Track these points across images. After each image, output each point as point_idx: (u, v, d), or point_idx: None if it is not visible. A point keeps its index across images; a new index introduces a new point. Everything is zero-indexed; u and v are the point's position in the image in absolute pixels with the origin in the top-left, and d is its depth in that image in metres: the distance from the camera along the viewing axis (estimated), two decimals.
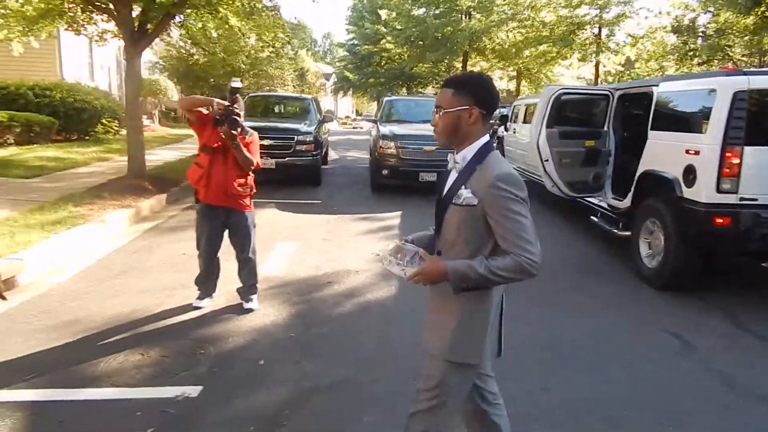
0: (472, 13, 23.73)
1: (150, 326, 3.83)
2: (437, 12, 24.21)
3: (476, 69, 28.40)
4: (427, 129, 9.71)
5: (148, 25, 8.22)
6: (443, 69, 32.45)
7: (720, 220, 4.09)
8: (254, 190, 4.12)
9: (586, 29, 22.12)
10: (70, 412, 2.78)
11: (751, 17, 13.73)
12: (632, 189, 5.20)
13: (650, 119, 5.06)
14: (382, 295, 4.63)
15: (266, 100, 11.92)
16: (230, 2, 9.06)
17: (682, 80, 4.90)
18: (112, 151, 12.00)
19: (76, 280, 4.76)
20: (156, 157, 11.79)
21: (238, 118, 3.65)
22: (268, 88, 33.93)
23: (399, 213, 8.04)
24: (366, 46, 39.21)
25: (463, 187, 1.77)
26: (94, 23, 9.98)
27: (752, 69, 4.61)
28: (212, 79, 24.27)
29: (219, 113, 3.65)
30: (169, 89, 21.58)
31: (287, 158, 9.51)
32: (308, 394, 3.02)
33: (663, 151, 4.81)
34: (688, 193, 4.35)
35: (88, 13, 9.31)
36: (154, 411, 2.79)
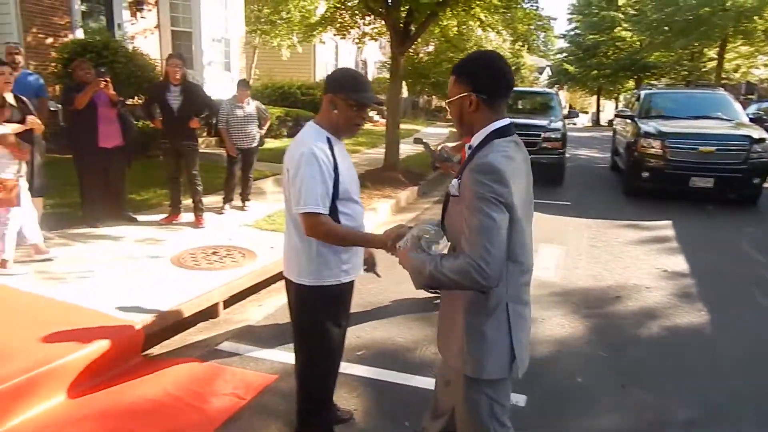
0: None
1: None
2: None
3: (733, 55, 24.05)
4: (703, 126, 8.37)
5: (411, 26, 8.64)
6: (686, 57, 28.25)
7: None
8: None
9: None
10: (409, 396, 2.90)
11: None
12: None
13: None
14: (694, 321, 3.99)
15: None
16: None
17: None
18: (359, 144, 13.16)
19: None
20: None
21: None
22: None
23: (669, 222, 7.04)
24: (591, 36, 36.35)
25: (458, 177, 1.63)
26: (358, 27, 10.97)
27: None
28: (432, 77, 24.98)
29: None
30: None
31: (531, 155, 8.95)
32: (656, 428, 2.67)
33: None
34: None
35: (355, 18, 10.28)
36: None
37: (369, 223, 6.54)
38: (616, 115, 10.37)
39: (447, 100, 1.73)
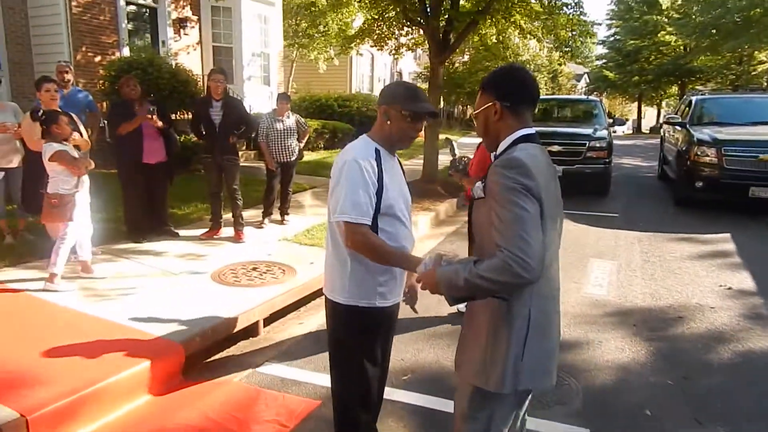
0: None
1: None
2: None
3: None
4: (763, 133, 7.88)
5: (450, 35, 8.51)
6: (734, 61, 27.08)
7: None
8: None
9: None
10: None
11: None
12: None
13: None
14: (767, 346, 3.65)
15: (547, 103, 11.37)
16: (524, 5, 8.83)
17: None
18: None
19: None
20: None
21: None
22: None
23: (727, 236, 6.60)
24: (632, 41, 35.37)
25: (481, 180, 1.60)
26: (395, 38, 10.91)
27: None
28: (467, 87, 24.74)
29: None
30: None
31: (576, 165, 8.80)
32: None
33: None
34: None
35: (392, 29, 10.23)
36: None
37: None
38: (666, 122, 9.91)
39: (474, 113, 1.76)
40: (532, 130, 1.65)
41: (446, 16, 8.28)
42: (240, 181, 5.81)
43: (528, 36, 9.91)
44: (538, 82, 1.73)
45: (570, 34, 9.43)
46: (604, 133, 9.20)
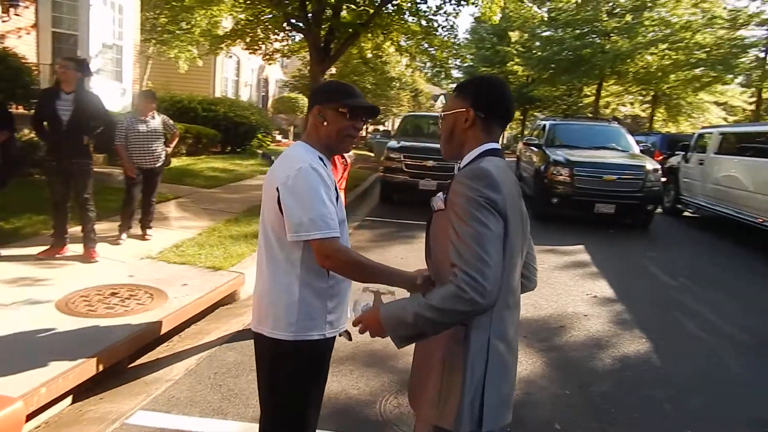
0: (612, 35, 22.39)
1: (403, 361, 3.51)
2: (577, 33, 23.14)
3: (608, 92, 26.82)
4: (604, 156, 8.95)
5: (332, 45, 8.35)
6: (564, 92, 31.06)
7: None
8: None
9: (749, 53, 19.94)
10: None
11: None
12: None
13: None
14: (640, 350, 3.99)
15: (417, 120, 11.76)
16: (402, 24, 9.06)
17: None
18: (264, 166, 12.49)
19: None
20: None
21: None
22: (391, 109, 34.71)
23: (582, 247, 7.32)
24: (484, 68, 38.72)
25: (443, 191, 1.47)
26: (270, 42, 10.45)
27: None
28: None
29: None
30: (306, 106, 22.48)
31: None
32: None
33: None
34: None
35: (268, 33, 9.78)
36: None
37: None
38: (525, 143, 10.84)
39: (443, 112, 1.59)
40: (498, 146, 1.54)
41: (328, 25, 8.10)
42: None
43: (404, 53, 10.16)
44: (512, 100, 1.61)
45: (443, 56, 9.85)
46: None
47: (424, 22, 9.15)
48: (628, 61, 21.17)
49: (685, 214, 10.44)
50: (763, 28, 19.35)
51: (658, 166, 8.74)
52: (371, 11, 8.25)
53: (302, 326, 1.74)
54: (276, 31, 9.42)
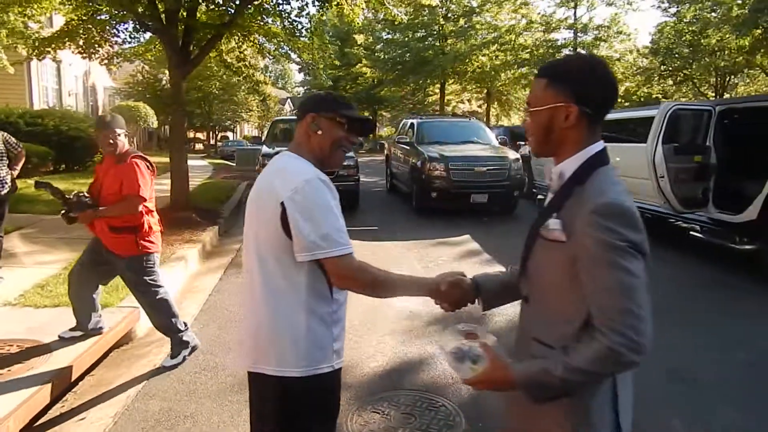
0: (450, 38, 24.25)
1: (360, 373, 3.34)
2: (419, 36, 24.56)
3: (448, 90, 28.97)
4: (476, 149, 9.57)
5: (192, 47, 7.66)
6: (409, 92, 32.87)
7: None
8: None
9: (562, 52, 23.07)
10: None
11: (747, 39, 14.67)
12: (762, 202, 5.19)
13: None
14: None
15: (289, 124, 11.41)
16: (263, 26, 8.69)
17: None
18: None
19: (203, 325, 4.19)
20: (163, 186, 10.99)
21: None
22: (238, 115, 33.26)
23: (468, 236, 7.74)
24: (331, 71, 39.18)
25: (554, 214, 1.28)
26: (109, 45, 9.23)
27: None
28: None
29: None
30: (149, 116, 20.46)
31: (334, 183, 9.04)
32: None
33: None
34: None
35: (104, 35, 8.60)
36: None
37: (179, 276, 5.35)
38: (396, 142, 11.14)
39: (531, 108, 1.32)
40: (603, 145, 1.31)
41: (184, 25, 7.40)
42: None
43: (267, 56, 9.76)
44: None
45: (310, 57, 9.66)
46: (351, 152, 9.73)
47: (287, 23, 8.87)
48: (467, 61, 23.10)
49: (540, 197, 11.66)
50: (571, 31, 22.60)
51: (519, 156, 9.62)
52: (233, 11, 7.76)
53: (312, 359, 1.56)
54: (117, 32, 8.35)
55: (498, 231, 8.29)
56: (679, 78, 21.35)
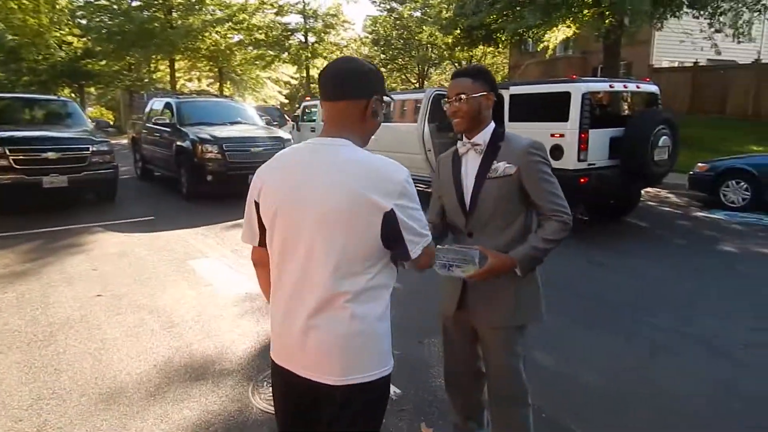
0: (176, 10, 22.35)
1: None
2: (136, 4, 21.91)
3: (176, 67, 26.90)
4: (248, 130, 9.45)
5: None
6: (125, 66, 29.17)
7: (582, 180, 6.01)
8: None
9: (294, 36, 23.95)
10: None
11: (450, 37, 17.83)
12: None
13: (507, 113, 6.71)
14: None
15: (8, 102, 9.10)
16: None
17: (530, 85, 6.72)
18: None
19: None
20: None
21: None
22: None
23: None
24: (12, 37, 31.42)
25: (494, 161, 1.85)
26: None
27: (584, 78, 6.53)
28: None
29: None
30: None
31: (84, 172, 7.77)
32: None
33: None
34: (556, 164, 6.16)
35: None
36: None
37: None
38: (153, 123, 10.07)
39: (468, 96, 1.84)
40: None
41: None
42: None
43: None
44: None
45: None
46: (101, 136, 8.47)
47: None
48: (200, 38, 21.81)
49: None
50: (301, 16, 23.59)
51: (290, 136, 9.92)
52: None
53: (388, 356, 1.46)
54: None
55: None
56: (392, 67, 24.77)
